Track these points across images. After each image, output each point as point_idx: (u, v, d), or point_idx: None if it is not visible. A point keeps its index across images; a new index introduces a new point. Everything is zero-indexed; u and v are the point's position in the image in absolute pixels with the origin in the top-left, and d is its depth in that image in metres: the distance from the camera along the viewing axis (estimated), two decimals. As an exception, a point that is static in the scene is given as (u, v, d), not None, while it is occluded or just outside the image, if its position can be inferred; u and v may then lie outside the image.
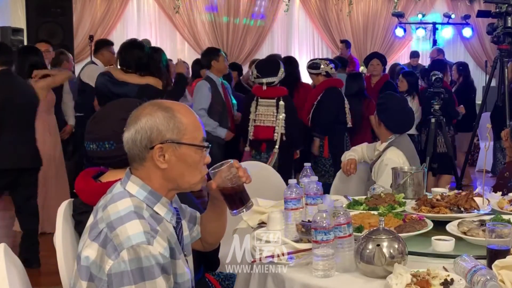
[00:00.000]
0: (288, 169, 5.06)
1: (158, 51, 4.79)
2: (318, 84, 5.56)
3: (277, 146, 4.97)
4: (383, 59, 6.76)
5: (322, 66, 5.53)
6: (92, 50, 7.33)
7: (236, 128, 5.51)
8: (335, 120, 5.46)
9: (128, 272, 1.55)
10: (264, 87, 4.96)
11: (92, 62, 6.27)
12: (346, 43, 10.53)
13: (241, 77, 7.35)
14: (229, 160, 1.91)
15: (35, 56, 5.49)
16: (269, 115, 4.98)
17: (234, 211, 1.92)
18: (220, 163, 1.89)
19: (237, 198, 1.91)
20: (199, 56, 6.78)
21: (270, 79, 4.95)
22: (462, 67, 7.80)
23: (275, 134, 4.96)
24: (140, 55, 4.54)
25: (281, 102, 4.94)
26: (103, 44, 6.42)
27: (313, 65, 5.62)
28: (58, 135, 5.71)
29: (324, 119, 5.43)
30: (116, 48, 5.58)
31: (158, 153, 1.69)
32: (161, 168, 1.71)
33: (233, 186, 1.88)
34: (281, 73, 5.00)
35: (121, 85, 4.49)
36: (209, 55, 5.55)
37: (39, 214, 5.48)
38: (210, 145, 1.79)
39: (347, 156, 3.73)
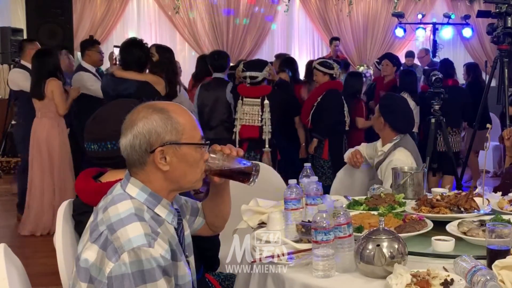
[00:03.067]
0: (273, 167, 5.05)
1: (167, 50, 4.80)
2: (320, 85, 5.55)
3: (267, 146, 4.97)
4: (393, 60, 6.77)
5: (335, 68, 5.53)
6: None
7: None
8: (335, 122, 5.47)
9: (129, 274, 1.54)
10: (248, 81, 4.97)
11: (80, 67, 6.21)
12: (339, 41, 10.57)
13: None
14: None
15: (55, 59, 5.55)
16: (254, 114, 4.99)
17: (249, 183, 1.90)
18: None
19: (241, 173, 1.88)
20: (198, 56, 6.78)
21: (254, 73, 4.97)
22: (470, 68, 7.78)
23: (264, 134, 4.96)
24: (139, 54, 4.53)
25: (266, 101, 4.95)
26: (87, 45, 6.34)
27: (326, 64, 5.57)
28: (67, 136, 5.73)
29: (325, 121, 5.43)
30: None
31: (159, 156, 1.68)
32: (162, 170, 1.70)
33: (230, 167, 1.87)
34: (266, 71, 5.03)
35: (121, 82, 4.50)
36: (227, 59, 5.55)
37: (51, 214, 5.49)
38: (209, 142, 1.79)
39: (350, 151, 3.73)
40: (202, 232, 2.12)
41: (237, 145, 5.05)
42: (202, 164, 1.78)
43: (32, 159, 5.56)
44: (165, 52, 4.75)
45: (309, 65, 6.54)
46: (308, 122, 5.53)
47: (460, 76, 7.97)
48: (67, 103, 5.57)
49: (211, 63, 5.60)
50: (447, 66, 6.69)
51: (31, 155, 5.56)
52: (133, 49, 4.56)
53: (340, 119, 5.51)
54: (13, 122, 5.93)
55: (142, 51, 4.57)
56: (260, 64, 5.11)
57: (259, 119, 4.98)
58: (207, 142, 1.78)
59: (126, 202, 1.67)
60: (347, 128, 5.57)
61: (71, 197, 2.28)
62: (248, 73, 4.98)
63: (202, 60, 6.63)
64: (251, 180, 1.89)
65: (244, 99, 5.00)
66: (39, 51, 5.80)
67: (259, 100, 4.97)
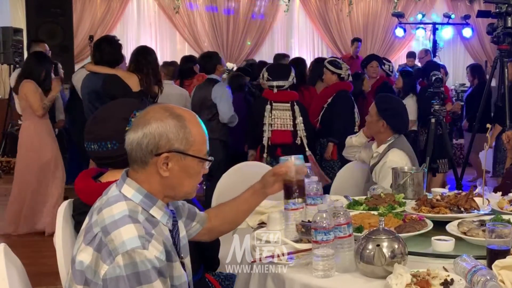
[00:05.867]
0: None
1: (145, 50, 4.75)
2: (329, 86, 5.54)
3: (307, 149, 4.97)
4: (380, 61, 6.78)
5: (343, 69, 5.53)
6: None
7: (245, 133, 5.53)
8: (347, 124, 5.46)
9: (124, 277, 1.54)
10: (275, 90, 4.97)
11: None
12: (360, 41, 10.50)
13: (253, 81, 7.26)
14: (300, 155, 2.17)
15: (49, 65, 5.55)
16: (286, 119, 4.98)
17: (291, 198, 2.18)
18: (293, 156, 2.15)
19: (296, 189, 2.11)
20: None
21: (281, 83, 4.97)
22: (476, 70, 7.77)
23: (298, 139, 4.96)
24: (109, 49, 4.52)
25: (296, 106, 4.96)
26: None
27: (335, 63, 5.58)
28: (55, 137, 5.71)
29: (337, 124, 5.40)
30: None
31: (162, 161, 1.68)
32: (161, 175, 1.70)
33: (298, 178, 2.10)
34: (292, 78, 5.03)
35: (91, 76, 4.51)
36: (212, 60, 5.61)
37: (40, 215, 5.50)
38: (213, 159, 1.79)
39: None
40: (200, 237, 2.12)
41: (266, 151, 5.04)
42: (199, 177, 1.78)
43: (18, 161, 5.56)
44: (139, 53, 4.63)
45: (316, 64, 6.55)
46: (317, 122, 5.50)
47: (464, 77, 7.96)
48: (47, 101, 5.44)
49: (202, 64, 5.75)
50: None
51: (18, 157, 5.57)
52: (103, 46, 4.56)
53: (351, 121, 5.51)
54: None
55: (111, 48, 4.56)
56: (284, 72, 5.07)
57: (291, 123, 4.97)
58: (210, 158, 1.78)
59: (120, 203, 1.67)
60: (356, 129, 5.55)
61: (61, 199, 2.28)
62: (275, 83, 4.97)
63: (188, 61, 6.65)
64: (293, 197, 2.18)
65: (274, 104, 5.00)
66: (40, 53, 5.78)
67: (289, 104, 4.97)
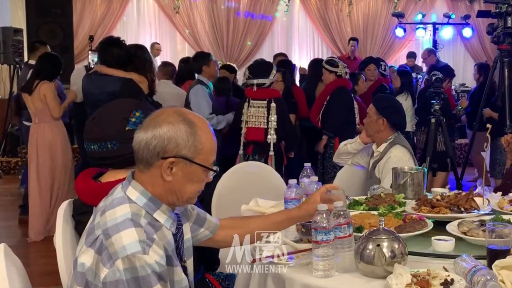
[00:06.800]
0: (279, 172, 5.02)
1: (142, 48, 4.74)
2: (328, 84, 5.59)
3: (271, 149, 4.94)
4: (378, 64, 6.79)
5: (340, 66, 5.55)
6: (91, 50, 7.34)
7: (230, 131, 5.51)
8: (345, 121, 5.46)
9: (123, 281, 1.54)
10: (254, 88, 4.96)
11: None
12: (357, 41, 10.49)
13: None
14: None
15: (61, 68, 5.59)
16: (260, 116, 4.94)
17: None
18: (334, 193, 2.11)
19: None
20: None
21: (261, 81, 4.95)
22: (482, 68, 7.77)
23: (269, 137, 4.93)
24: (120, 53, 4.48)
25: (273, 104, 4.92)
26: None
27: (331, 62, 5.65)
28: (68, 139, 5.72)
29: (334, 119, 5.44)
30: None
31: (167, 165, 1.67)
32: (164, 179, 1.69)
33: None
34: (273, 75, 5.01)
35: (104, 78, 4.40)
36: (200, 61, 5.58)
37: (52, 217, 5.46)
38: (218, 169, 1.78)
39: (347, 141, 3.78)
40: (211, 243, 2.10)
41: (243, 148, 5.01)
42: (202, 185, 1.76)
43: (32, 164, 5.49)
44: (145, 51, 4.64)
45: (313, 64, 6.57)
46: (318, 121, 5.55)
47: (464, 77, 7.92)
48: (63, 105, 5.54)
49: (193, 64, 5.74)
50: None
51: (31, 159, 5.50)
52: (112, 49, 4.47)
53: (349, 118, 5.50)
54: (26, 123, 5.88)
55: (121, 50, 4.49)
56: (265, 69, 5.05)
57: (265, 121, 4.94)
58: (216, 168, 1.76)
59: (124, 206, 1.66)
60: (358, 126, 5.55)
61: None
62: (255, 81, 4.95)
63: (185, 64, 6.64)
64: None
65: (251, 101, 4.98)
66: (55, 56, 5.78)
67: (266, 102, 4.95)
